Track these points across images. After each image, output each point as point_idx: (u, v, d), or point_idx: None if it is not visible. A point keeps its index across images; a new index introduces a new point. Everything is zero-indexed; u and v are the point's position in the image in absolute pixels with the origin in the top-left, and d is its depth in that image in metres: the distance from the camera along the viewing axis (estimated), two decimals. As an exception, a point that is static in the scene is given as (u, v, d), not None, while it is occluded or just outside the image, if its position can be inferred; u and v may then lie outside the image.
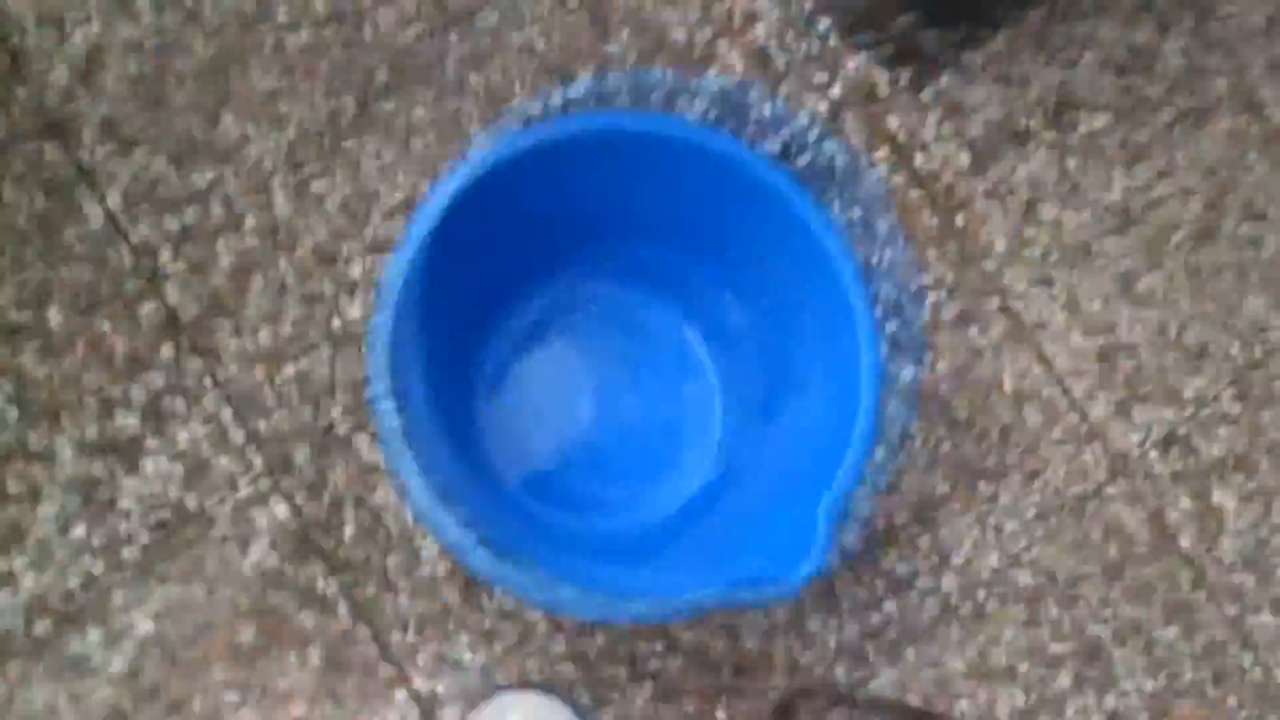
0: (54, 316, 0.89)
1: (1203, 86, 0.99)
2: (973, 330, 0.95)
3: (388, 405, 0.70)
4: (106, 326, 0.90)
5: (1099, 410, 0.95)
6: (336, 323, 0.91)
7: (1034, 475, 0.95)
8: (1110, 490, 0.95)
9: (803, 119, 0.94)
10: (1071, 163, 0.97)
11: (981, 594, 0.93)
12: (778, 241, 0.81)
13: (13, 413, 0.88)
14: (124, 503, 0.88)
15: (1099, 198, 0.97)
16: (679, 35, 0.97)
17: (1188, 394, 0.96)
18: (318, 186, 0.93)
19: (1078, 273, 0.96)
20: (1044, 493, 0.94)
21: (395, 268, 0.73)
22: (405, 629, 0.88)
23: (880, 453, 0.80)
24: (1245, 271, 0.98)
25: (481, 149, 0.74)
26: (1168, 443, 0.95)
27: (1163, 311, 0.97)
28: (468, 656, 0.88)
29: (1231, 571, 0.95)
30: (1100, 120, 0.98)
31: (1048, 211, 0.97)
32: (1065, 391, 0.95)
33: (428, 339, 0.79)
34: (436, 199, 0.74)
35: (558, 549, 0.82)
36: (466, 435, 0.89)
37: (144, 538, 0.88)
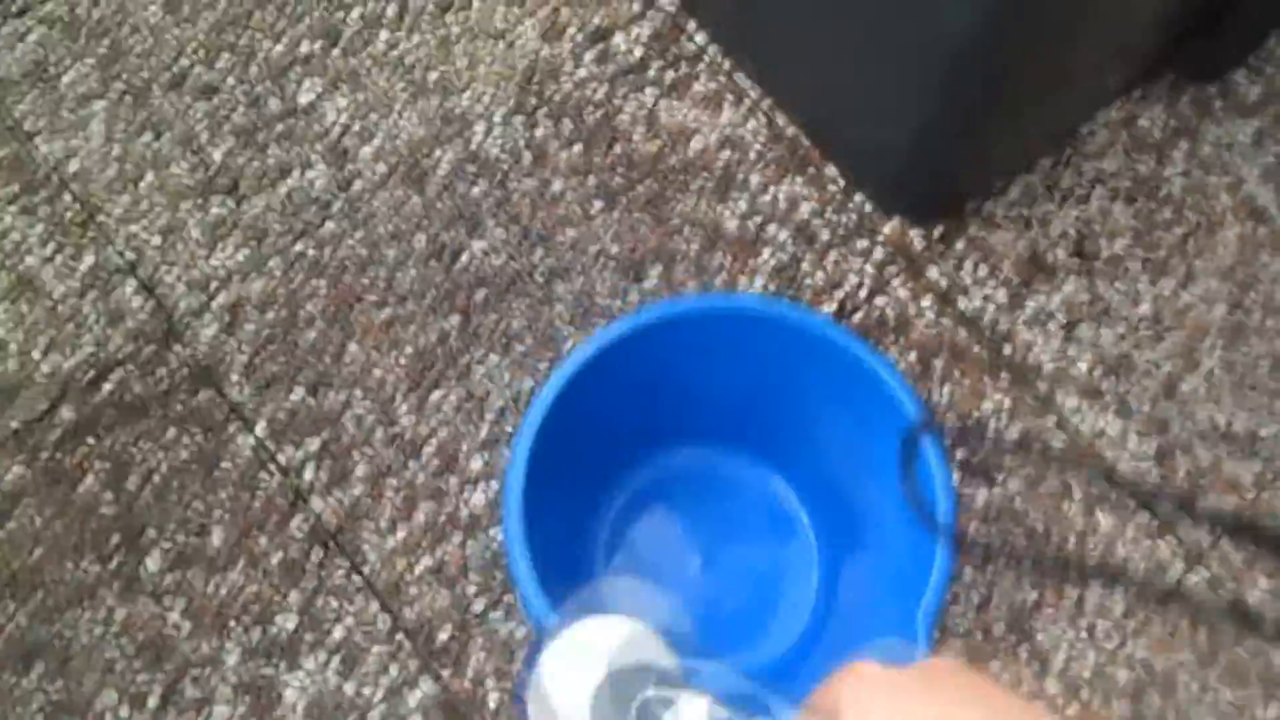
0: (216, 537, 1.01)
1: (1207, 202, 1.10)
2: (1036, 446, 1.04)
3: (527, 581, 0.81)
4: (263, 541, 1.01)
5: (1166, 506, 1.02)
6: (464, 513, 1.02)
7: (1116, 575, 1.01)
8: (1191, 580, 1.01)
9: (852, 280, 1.06)
10: (1100, 285, 1.08)
11: (1085, 693, 0.98)
12: (846, 388, 0.90)
13: (186, 625, 0.99)
14: (289, 697, 0.98)
15: (1131, 313, 1.07)
16: (732, 225, 1.10)
17: (1246, 479, 1.03)
18: (434, 397, 1.05)
19: (1123, 382, 1.05)
20: (1128, 590, 1.01)
21: (515, 456, 0.84)
22: (554, 785, 0.95)
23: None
24: (1279, 359, 1.06)
25: (576, 348, 0.87)
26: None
27: (1209, 407, 1.05)
28: (614, 805, 0.95)
29: (1324, 642, 0.99)
30: (1119, 244, 1.09)
31: (1086, 331, 1.06)
32: (1132, 493, 1.03)
33: (547, 515, 0.89)
34: (543, 396, 0.86)
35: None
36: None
37: (311, 726, 0.97)
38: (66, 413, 1.04)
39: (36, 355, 1.06)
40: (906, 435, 0.88)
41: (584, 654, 0.52)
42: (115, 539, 1.01)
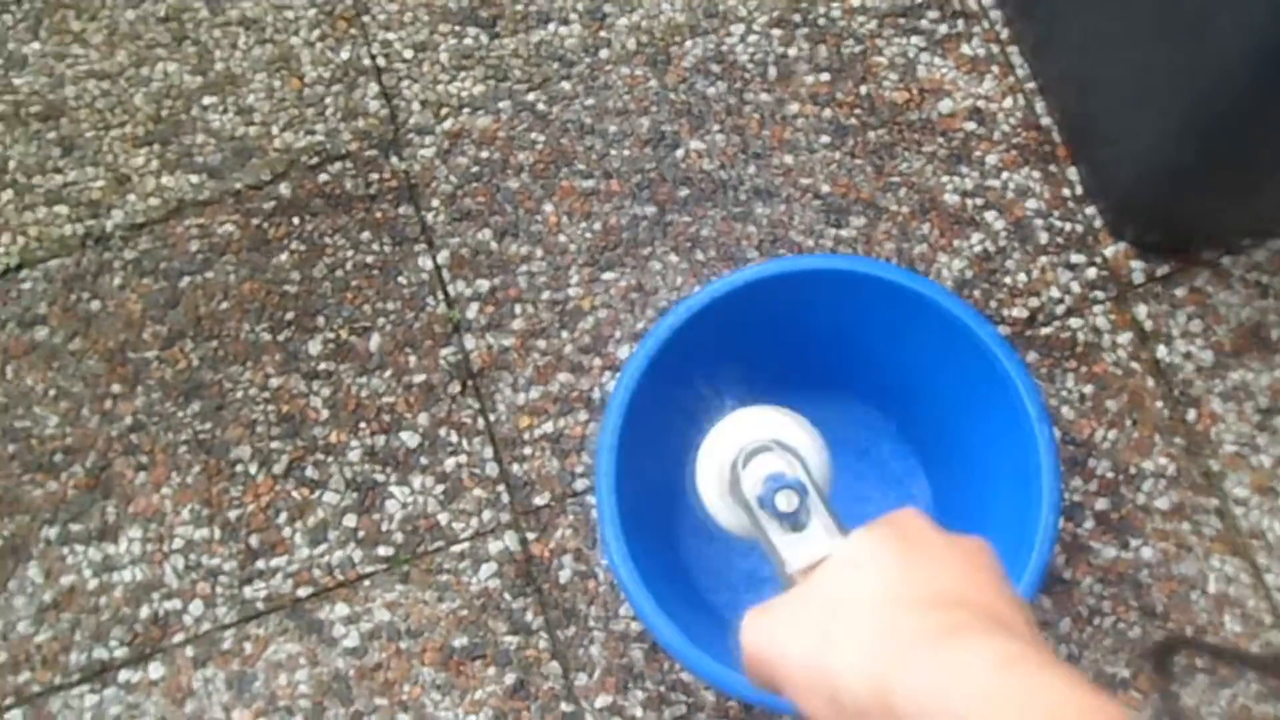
0: (374, 342, 1.07)
1: None
2: (1185, 525, 0.96)
3: (607, 486, 0.82)
4: (412, 359, 1.07)
5: (1308, 641, 0.94)
6: (596, 394, 1.04)
7: (1224, 684, 0.94)
8: (1305, 717, 0.93)
9: (1054, 292, 1.00)
10: (1322, 383, 0.98)
11: (1144, 785, 0.93)
12: (981, 391, 0.85)
13: (325, 412, 1.06)
14: (390, 506, 1.04)
15: (1345, 422, 0.97)
16: (951, 199, 1.05)
17: (1405, 637, 0.93)
18: (607, 276, 1.07)
19: (1308, 491, 0.96)
20: (1232, 705, 0.93)
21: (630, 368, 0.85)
22: (591, 674, 0.98)
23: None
24: None
25: (711, 284, 0.86)
26: (1373, 682, 0.92)
27: (1393, 548, 0.94)
28: (639, 713, 0.97)
29: None
30: (1360, 347, 0.98)
31: (1286, 425, 0.97)
32: (1273, 607, 0.95)
33: (650, 440, 0.90)
34: (675, 315, 0.85)
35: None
36: (671, 530, 0.99)
37: (398, 538, 1.03)
38: (284, 188, 1.12)
39: (275, 129, 1.13)
40: (1159, 648, 0.83)
41: (735, 428, 0.58)
42: (290, 315, 1.09)
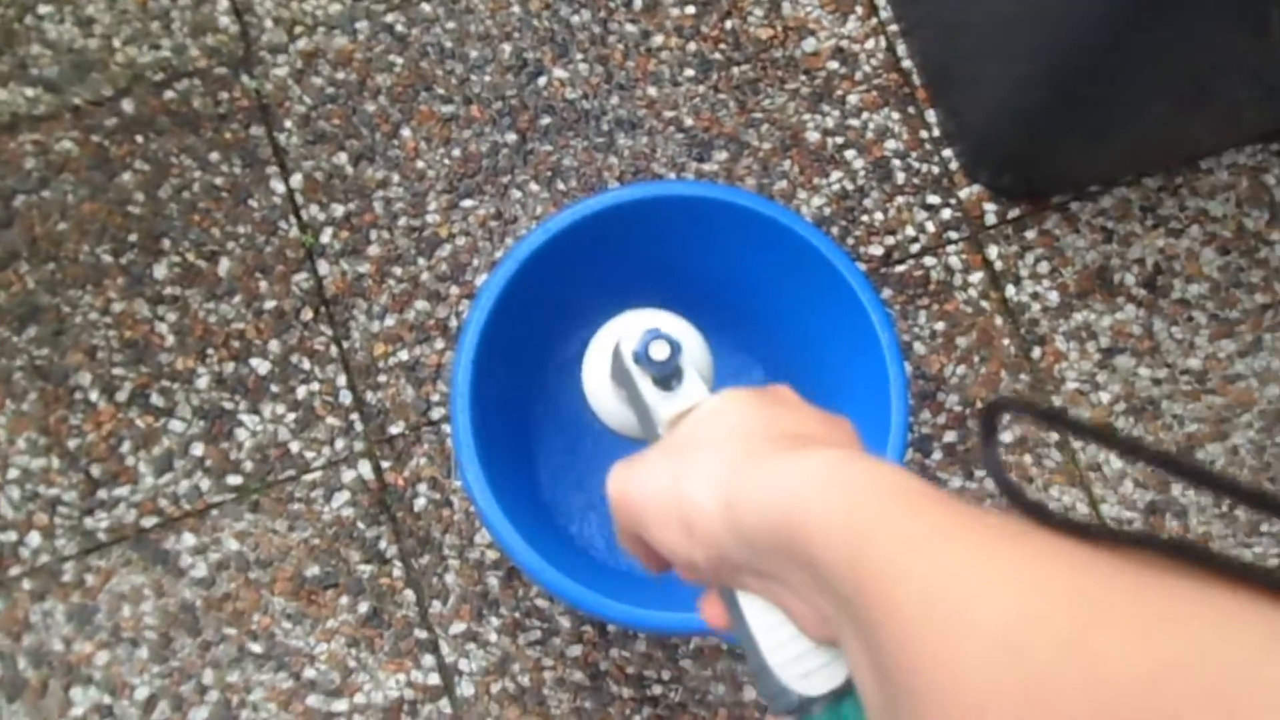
0: (224, 266, 1.04)
1: (1302, 278, 1.02)
2: (1027, 457, 1.00)
3: (463, 409, 0.81)
4: (264, 285, 1.04)
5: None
6: (453, 322, 1.03)
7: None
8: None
9: (910, 231, 1.02)
10: (1157, 323, 1.01)
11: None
12: (836, 319, 0.86)
13: (171, 338, 1.03)
14: (239, 435, 1.01)
15: (1178, 361, 1.01)
16: (813, 137, 1.06)
17: (1224, 565, 0.98)
18: (467, 203, 1.05)
19: (1142, 426, 1.00)
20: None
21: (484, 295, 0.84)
22: (446, 601, 0.98)
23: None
24: (1310, 461, 0.99)
25: (564, 210, 0.85)
26: (1194, 607, 0.97)
27: (1216, 481, 0.99)
28: (494, 639, 0.97)
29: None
30: (1194, 290, 1.02)
31: (1124, 363, 1.01)
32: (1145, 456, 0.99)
33: (506, 364, 0.89)
34: (530, 240, 0.84)
35: (595, 571, 0.91)
36: (528, 456, 0.99)
37: (248, 467, 1.00)
38: (127, 105, 1.07)
39: (117, 43, 1.08)
40: (987, 409, 0.84)
41: (614, 329, 0.59)
42: (134, 237, 1.04)
